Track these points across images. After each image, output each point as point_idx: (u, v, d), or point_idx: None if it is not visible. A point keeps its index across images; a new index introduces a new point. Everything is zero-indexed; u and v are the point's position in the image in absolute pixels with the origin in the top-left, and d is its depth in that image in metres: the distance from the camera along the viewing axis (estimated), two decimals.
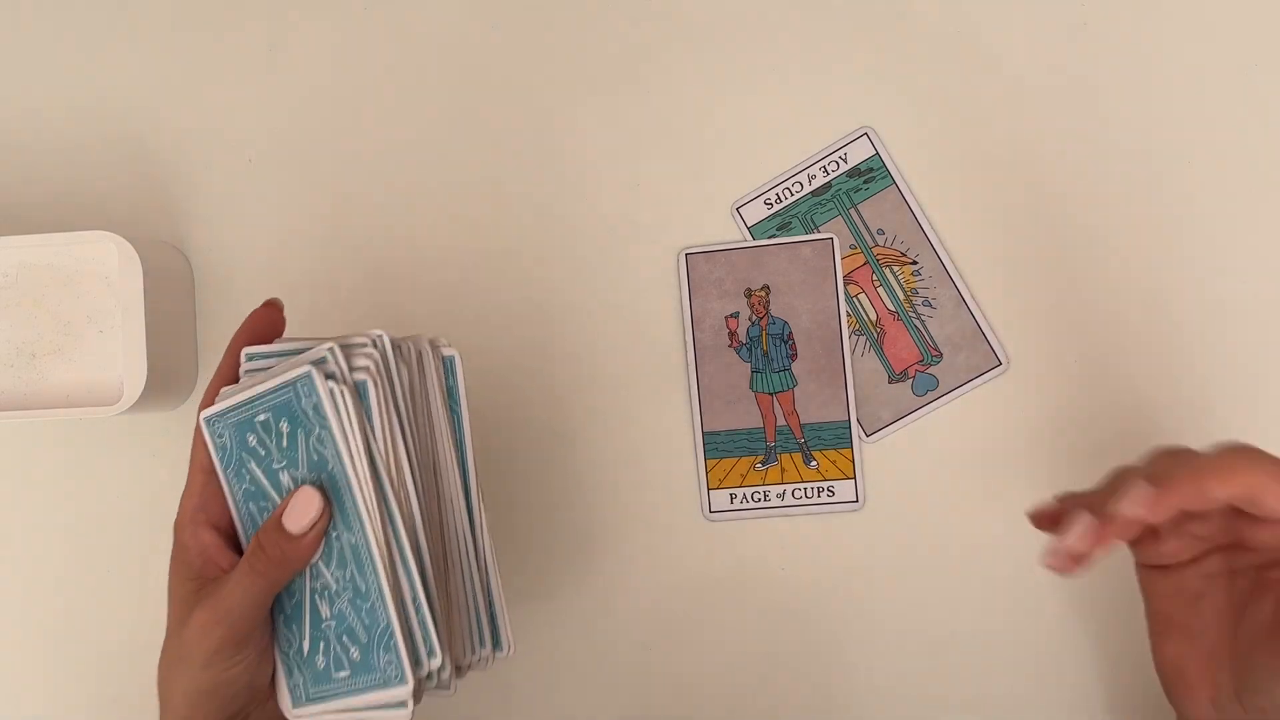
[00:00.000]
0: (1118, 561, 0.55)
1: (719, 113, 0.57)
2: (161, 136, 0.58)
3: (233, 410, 0.47)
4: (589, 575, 0.56)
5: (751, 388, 0.56)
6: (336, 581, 0.46)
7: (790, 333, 0.56)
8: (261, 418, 0.46)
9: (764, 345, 0.56)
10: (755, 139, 0.57)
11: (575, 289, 0.57)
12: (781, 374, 0.56)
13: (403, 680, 0.44)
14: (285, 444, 0.46)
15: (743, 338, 0.56)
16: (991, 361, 0.55)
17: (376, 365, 0.46)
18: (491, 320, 0.57)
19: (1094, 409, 0.55)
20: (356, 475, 0.44)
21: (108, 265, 0.54)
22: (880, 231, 0.56)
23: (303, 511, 0.44)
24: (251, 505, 0.47)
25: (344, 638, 0.46)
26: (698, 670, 0.56)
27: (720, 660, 0.56)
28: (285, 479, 0.46)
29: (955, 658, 0.55)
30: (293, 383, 0.45)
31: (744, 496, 0.56)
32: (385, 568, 0.44)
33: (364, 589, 0.45)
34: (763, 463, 0.56)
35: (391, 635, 0.44)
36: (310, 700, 0.46)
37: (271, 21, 0.58)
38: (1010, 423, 0.55)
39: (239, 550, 0.48)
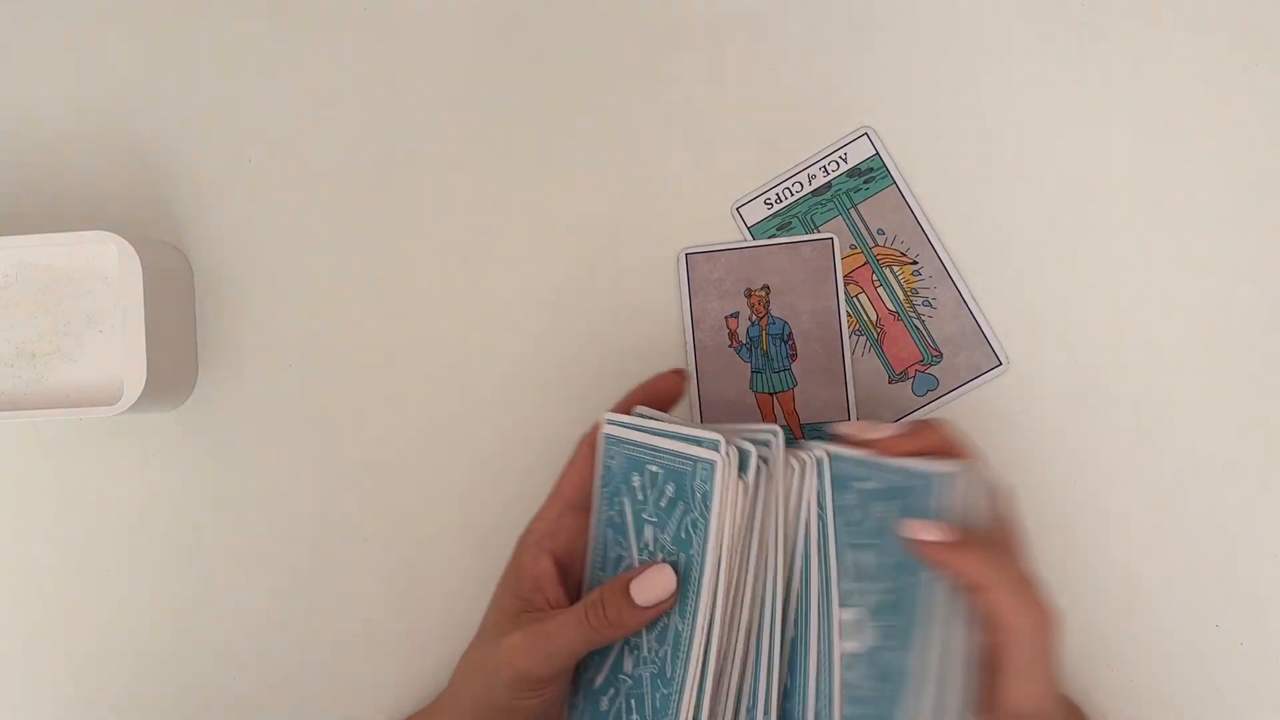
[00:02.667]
0: (1118, 564, 0.55)
1: (718, 113, 0.57)
2: (161, 136, 0.58)
3: (630, 442, 0.47)
4: None
5: (751, 388, 0.56)
6: (649, 650, 0.45)
7: (790, 333, 0.56)
8: (653, 469, 0.46)
9: (764, 345, 0.56)
10: (755, 139, 0.57)
11: (575, 289, 0.57)
12: (781, 374, 0.56)
13: None
14: (664, 505, 0.46)
15: (743, 338, 0.56)
16: (991, 361, 0.55)
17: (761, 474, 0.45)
18: (491, 320, 0.57)
19: (1094, 409, 0.55)
20: (710, 579, 0.43)
21: (108, 265, 0.54)
22: (880, 231, 0.56)
23: (653, 589, 0.44)
24: (610, 532, 0.48)
25: (631, 700, 0.45)
26: None
27: None
28: (649, 533, 0.46)
29: None
30: (695, 460, 0.44)
31: None
32: (695, 673, 0.43)
33: (669, 675, 0.44)
34: None
35: None
36: None
37: (271, 21, 0.58)
38: (1010, 423, 0.55)
39: (566, 578, 0.49)
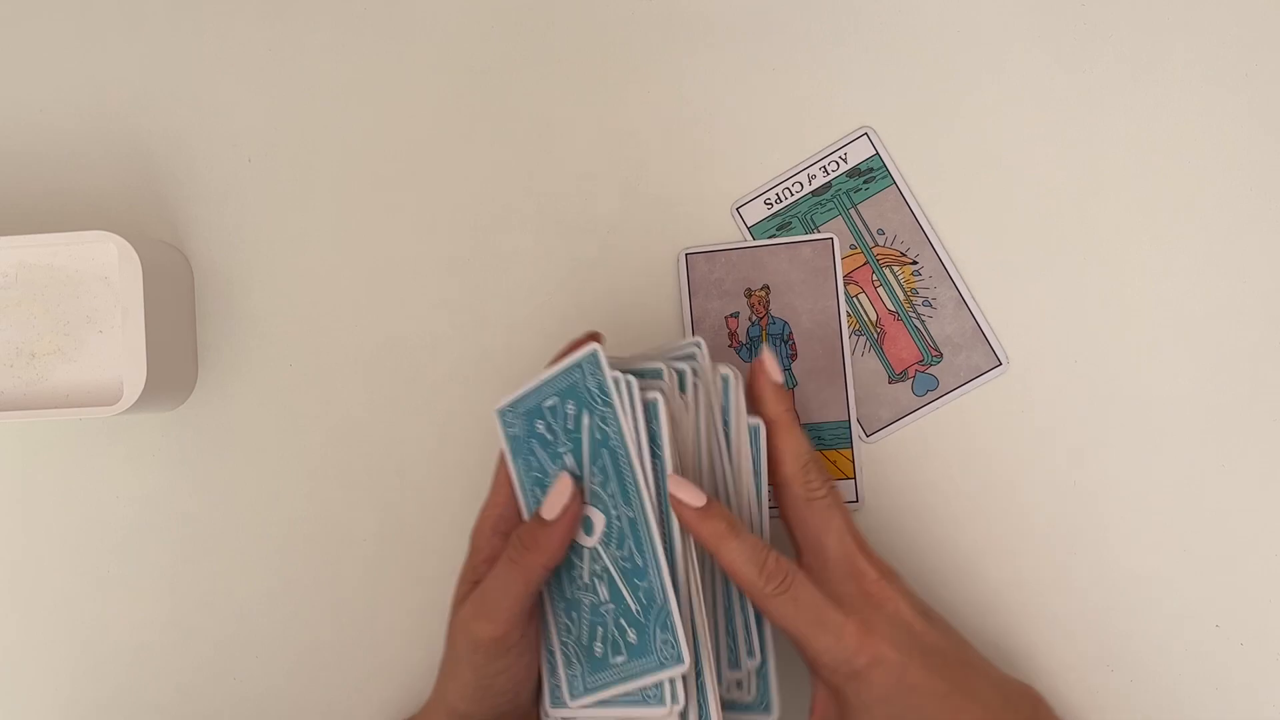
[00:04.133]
0: (1118, 564, 0.55)
1: (719, 113, 0.57)
2: (161, 136, 0.58)
3: (521, 400, 0.48)
4: None
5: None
6: (614, 562, 0.46)
7: (790, 333, 0.56)
8: (549, 402, 0.47)
9: (764, 345, 0.56)
10: (755, 139, 0.57)
11: (575, 289, 0.57)
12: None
13: (679, 660, 0.43)
14: (571, 425, 0.47)
15: (743, 338, 0.56)
16: (991, 361, 0.55)
17: (667, 361, 0.47)
18: (491, 320, 0.57)
19: (1094, 409, 0.55)
20: (637, 449, 0.45)
21: (108, 265, 0.54)
22: (880, 231, 0.56)
23: (556, 496, 0.46)
24: (538, 490, 0.48)
25: (621, 620, 0.45)
26: None
27: None
28: (569, 461, 0.47)
29: None
30: (579, 362, 0.46)
31: None
32: (661, 538, 0.44)
33: (641, 564, 0.45)
34: None
35: (668, 613, 0.44)
36: (587, 690, 0.46)
37: (271, 21, 0.58)
38: (1010, 423, 0.55)
39: None
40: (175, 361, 0.56)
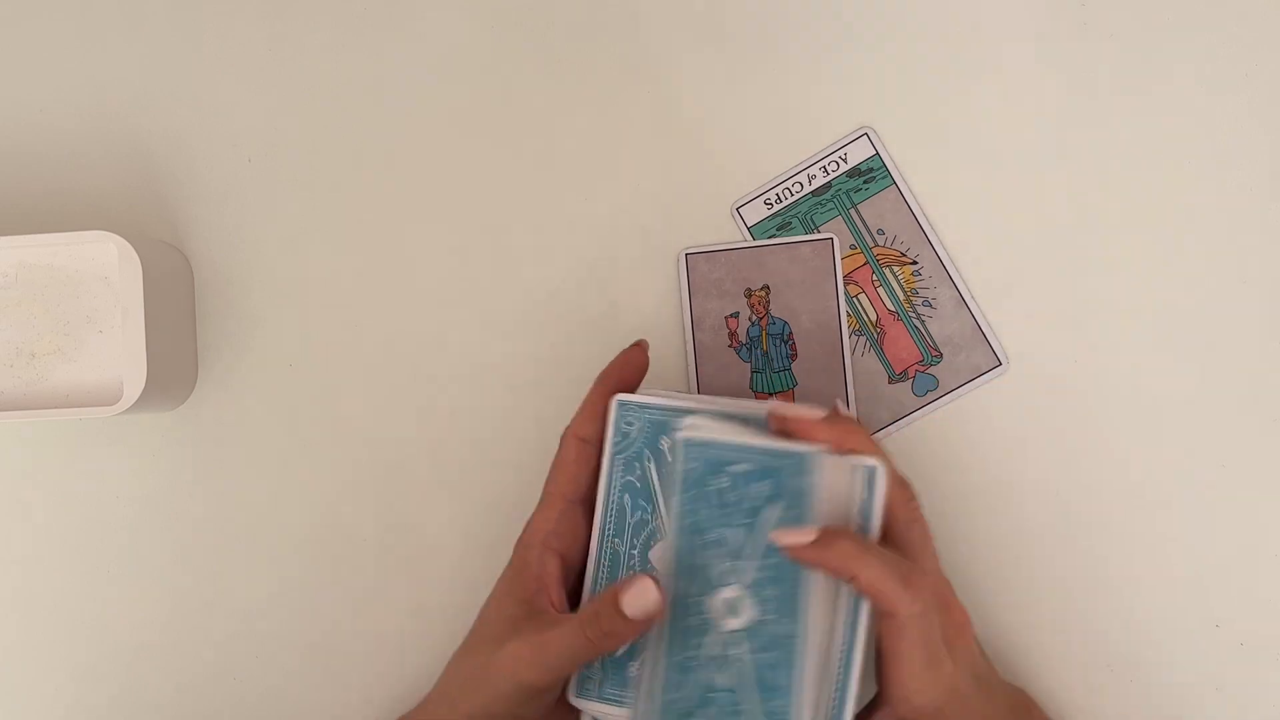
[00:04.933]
0: (1118, 564, 0.55)
1: (719, 113, 0.57)
2: (161, 136, 0.58)
3: (656, 408, 0.48)
4: None
5: (751, 388, 0.56)
6: (753, 663, 0.44)
7: (790, 333, 0.56)
8: (742, 467, 0.45)
9: (764, 345, 0.56)
10: (755, 139, 0.57)
11: (575, 289, 0.57)
12: (781, 374, 0.56)
13: None
14: (760, 505, 0.45)
15: (743, 338, 0.56)
16: (991, 361, 0.55)
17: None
18: (491, 320, 0.57)
19: (1094, 409, 0.55)
20: (812, 575, 0.43)
21: (108, 265, 0.54)
22: (880, 231, 0.56)
23: (640, 603, 0.44)
24: (627, 497, 0.48)
25: (727, 715, 0.44)
26: None
27: None
28: (736, 535, 0.45)
29: None
30: (789, 454, 0.44)
31: None
32: (812, 673, 0.43)
33: (776, 684, 0.43)
34: None
35: None
36: (597, 698, 0.47)
37: (271, 21, 0.58)
38: (1010, 423, 0.55)
39: (568, 577, 0.48)
40: (175, 361, 0.56)
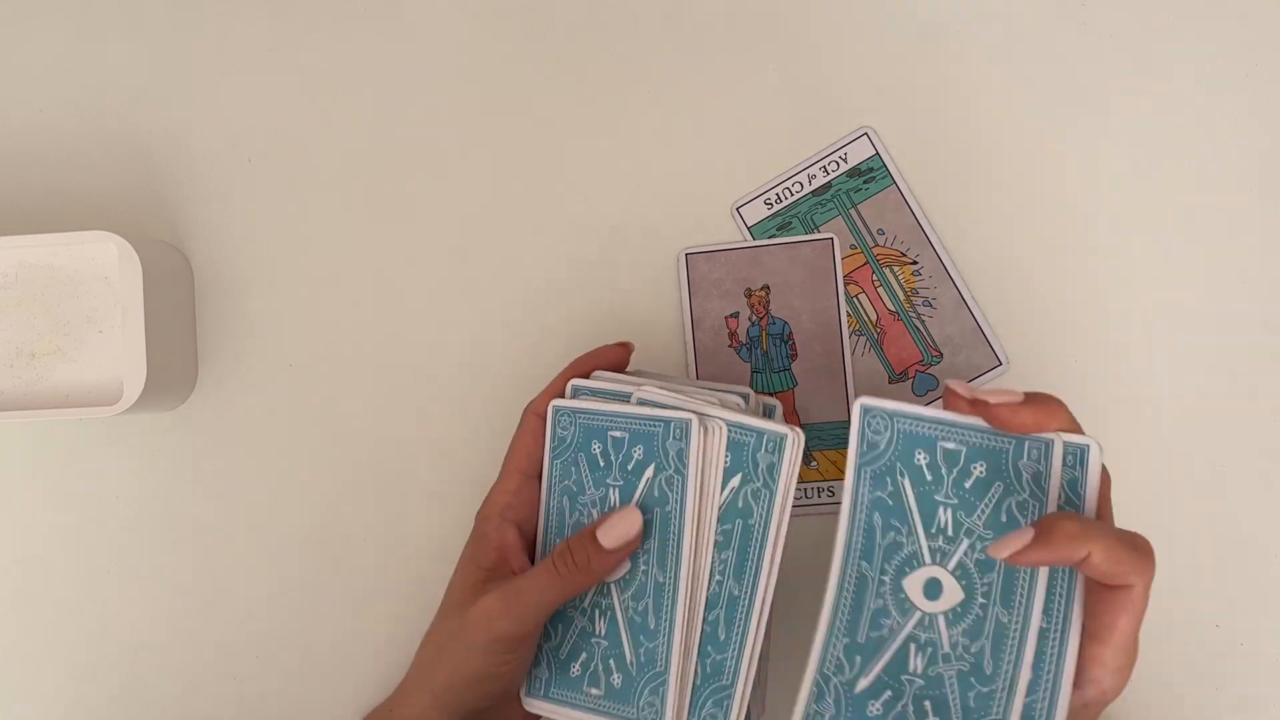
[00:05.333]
0: None
1: (719, 113, 0.57)
2: (161, 136, 0.58)
3: (586, 413, 0.48)
4: None
5: (751, 388, 0.56)
6: (624, 608, 0.46)
7: (790, 333, 0.56)
8: (617, 434, 0.47)
9: (764, 345, 0.56)
10: (755, 139, 0.57)
11: (575, 289, 0.57)
12: (781, 374, 0.56)
13: None
14: (630, 468, 0.47)
15: (743, 338, 0.56)
16: (991, 361, 0.55)
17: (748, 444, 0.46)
18: (491, 320, 0.57)
19: (1094, 409, 0.55)
20: (694, 529, 0.45)
21: (108, 265, 0.54)
22: (880, 231, 0.56)
23: (620, 530, 0.45)
24: (565, 500, 0.49)
25: (610, 660, 0.46)
26: None
27: None
28: (613, 496, 0.47)
29: None
30: (667, 421, 0.46)
31: None
32: (683, 620, 0.45)
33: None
34: None
35: (664, 683, 0.45)
36: (546, 697, 0.48)
37: (271, 21, 0.58)
38: None
39: (531, 554, 0.50)
40: (175, 361, 0.56)
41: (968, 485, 0.42)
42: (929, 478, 0.42)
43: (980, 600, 0.41)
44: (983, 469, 0.42)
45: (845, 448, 0.55)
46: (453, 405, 0.57)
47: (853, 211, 0.56)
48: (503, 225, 0.57)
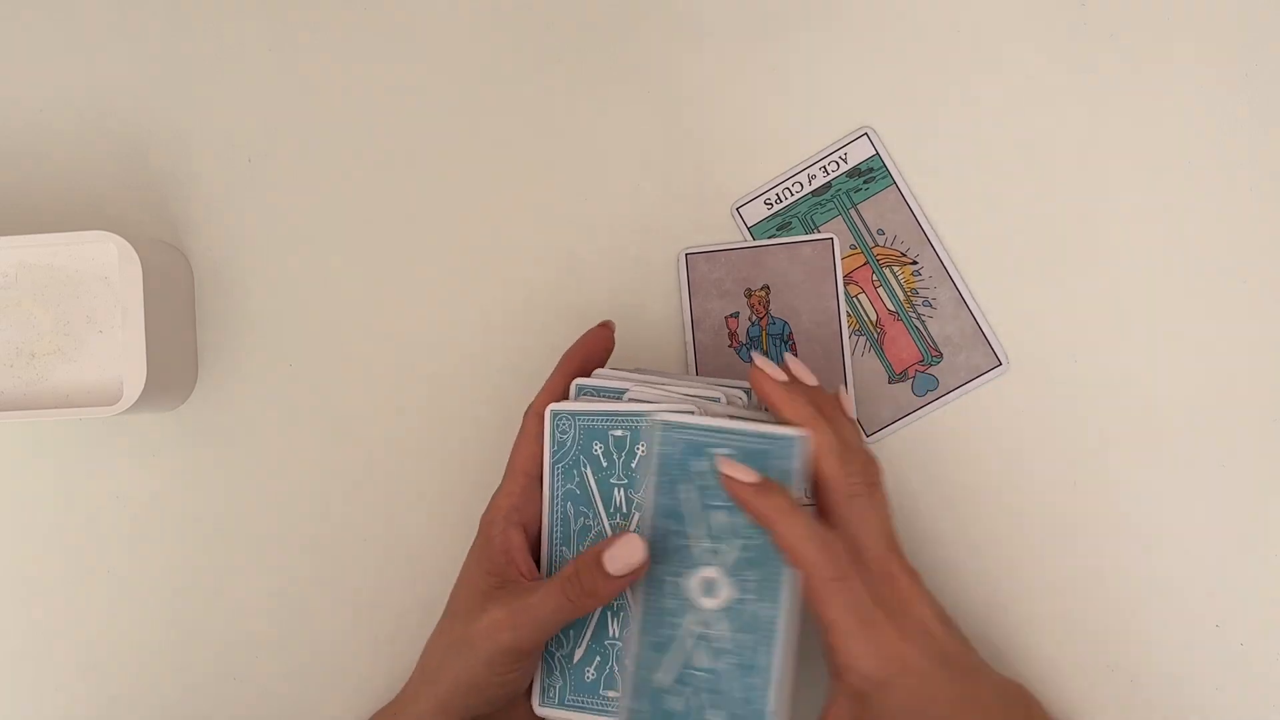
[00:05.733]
0: (1118, 564, 0.55)
1: (719, 113, 0.57)
2: (161, 136, 0.58)
3: (587, 415, 0.48)
4: None
5: None
6: (733, 643, 0.45)
7: (790, 333, 0.56)
8: (618, 432, 0.47)
9: (764, 345, 0.56)
10: (755, 139, 0.57)
11: (575, 289, 0.57)
12: None
13: None
14: (635, 465, 0.47)
15: (743, 338, 0.56)
16: (991, 361, 0.55)
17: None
18: (491, 321, 0.57)
19: (1094, 409, 0.55)
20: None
21: (108, 265, 0.54)
22: (880, 231, 0.56)
23: (624, 559, 0.45)
24: (569, 505, 0.48)
25: (704, 694, 0.45)
26: None
27: None
28: (720, 519, 0.46)
29: None
30: (777, 438, 0.45)
31: None
32: (784, 652, 0.44)
33: (754, 665, 0.44)
34: None
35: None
36: (561, 705, 0.48)
37: (271, 21, 0.58)
38: (1010, 423, 0.55)
39: (537, 557, 0.49)
40: (175, 361, 0.56)
41: (633, 465, 0.46)
42: (604, 464, 0.46)
43: (750, 596, 0.44)
44: (645, 448, 0.46)
45: None
46: (452, 405, 0.57)
47: (853, 211, 0.56)
48: (502, 225, 0.57)
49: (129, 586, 0.57)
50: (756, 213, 0.56)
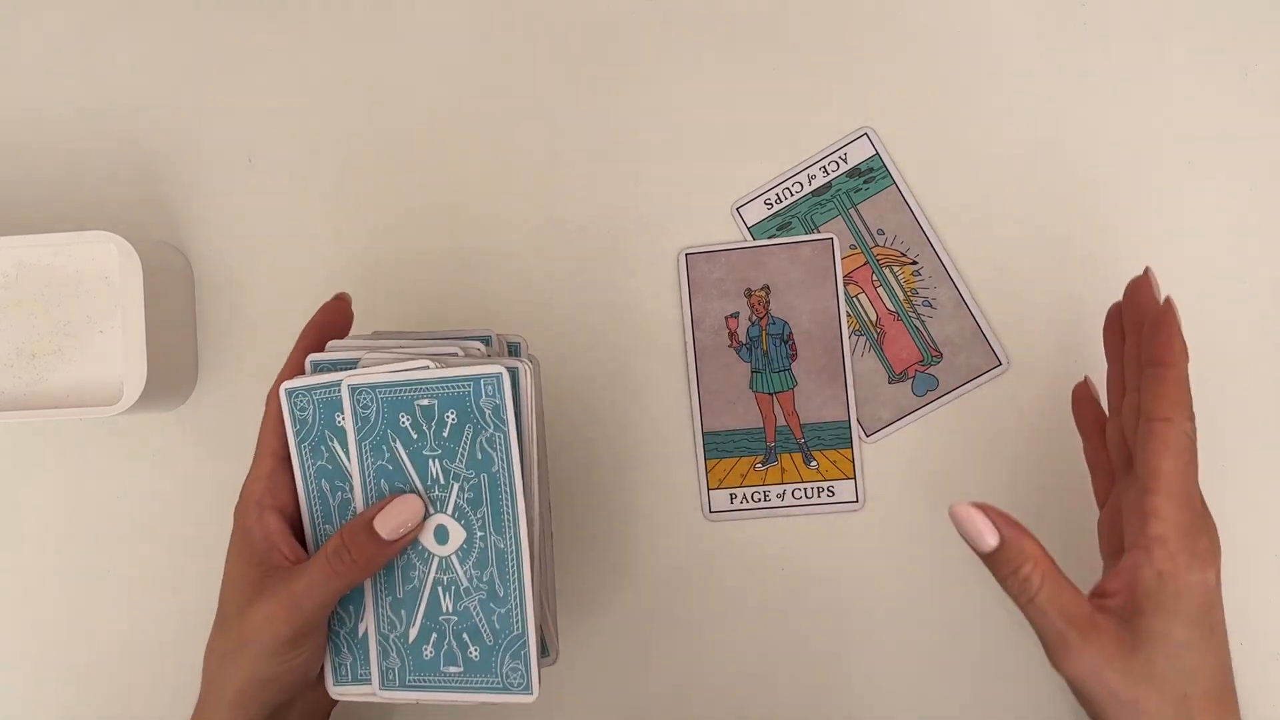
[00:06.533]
0: None
1: (719, 113, 0.57)
2: (161, 136, 0.58)
3: (322, 388, 0.47)
4: (589, 575, 0.56)
5: (751, 388, 0.56)
6: (470, 580, 0.45)
7: (790, 333, 0.56)
8: (424, 402, 0.46)
9: (764, 345, 0.56)
10: (755, 139, 0.57)
11: (575, 289, 0.57)
12: (781, 374, 0.56)
13: (528, 690, 0.45)
14: (446, 434, 0.46)
15: (743, 338, 0.56)
16: (991, 361, 0.55)
17: (532, 372, 0.46)
18: (491, 321, 0.57)
19: None
20: (524, 483, 0.45)
21: (108, 265, 0.54)
22: (880, 231, 0.56)
23: (401, 518, 0.44)
24: (324, 482, 0.47)
25: (464, 635, 0.46)
26: (697, 670, 0.56)
27: (720, 660, 0.56)
28: (434, 466, 0.46)
29: (955, 658, 0.55)
30: (476, 379, 0.45)
31: (744, 496, 0.56)
32: (532, 577, 0.45)
33: (502, 594, 0.45)
34: (763, 463, 0.56)
35: (524, 645, 0.45)
36: (404, 686, 0.47)
37: (271, 22, 0.58)
38: (1010, 423, 0.55)
39: (300, 536, 0.48)
40: (175, 361, 0.56)
41: (445, 434, 0.45)
42: (414, 436, 0.46)
43: (479, 534, 0.45)
44: (454, 415, 0.45)
45: (846, 448, 0.55)
46: None
47: (853, 211, 0.56)
48: (502, 225, 0.57)
49: (129, 586, 0.57)
50: (756, 213, 0.56)
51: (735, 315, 0.56)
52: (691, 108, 0.57)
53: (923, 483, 0.55)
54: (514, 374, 0.45)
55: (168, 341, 0.55)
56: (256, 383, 0.57)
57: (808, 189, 0.56)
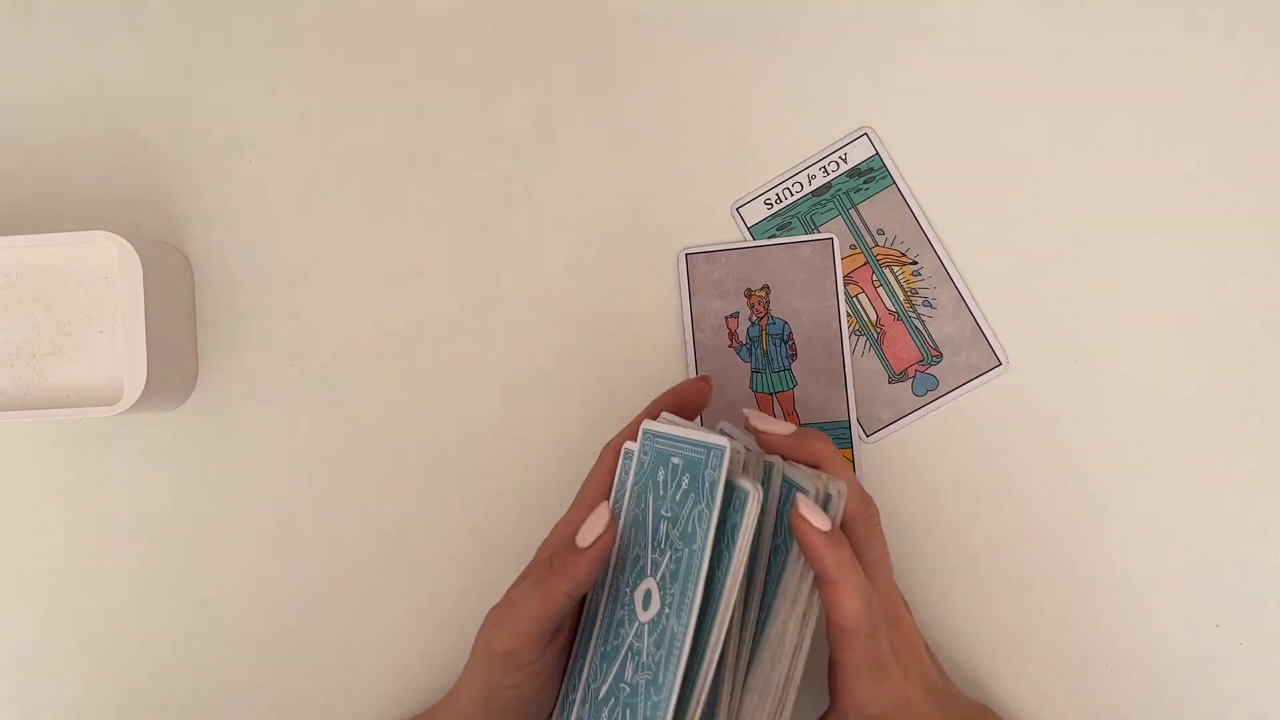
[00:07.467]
0: (1118, 564, 0.55)
1: (719, 113, 0.57)
2: (162, 136, 0.58)
3: (664, 439, 0.45)
4: None
5: (751, 388, 0.56)
6: (649, 656, 0.43)
7: (790, 333, 0.56)
8: (675, 460, 0.44)
9: (764, 345, 0.56)
10: (755, 139, 0.57)
11: (575, 289, 0.57)
12: (781, 374, 0.56)
13: None
14: (679, 499, 0.44)
15: (743, 338, 0.56)
16: (991, 361, 0.55)
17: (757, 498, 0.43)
18: (491, 321, 0.57)
19: (1094, 409, 0.55)
20: (703, 572, 0.42)
21: (108, 265, 0.54)
22: (880, 231, 0.56)
23: (592, 524, 0.44)
24: (633, 532, 0.45)
25: (628, 712, 0.43)
26: None
27: None
28: (664, 529, 0.44)
29: (955, 658, 0.55)
30: (708, 446, 0.43)
31: None
32: (697, 680, 0.42)
33: (661, 681, 0.42)
34: None
35: None
36: None
37: (272, 21, 0.58)
38: (1010, 423, 0.55)
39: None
40: (175, 361, 0.56)
41: (678, 497, 0.43)
42: (661, 492, 0.44)
43: (667, 611, 0.42)
44: (687, 480, 0.43)
45: (845, 447, 0.55)
46: (453, 405, 0.57)
47: (853, 211, 0.56)
48: (502, 225, 0.57)
49: (129, 586, 0.57)
50: (756, 213, 0.56)
51: (735, 315, 0.56)
52: (691, 108, 0.57)
53: (923, 483, 0.56)
54: (745, 463, 0.43)
55: (168, 341, 0.55)
56: (256, 383, 0.57)
57: (808, 189, 0.56)
